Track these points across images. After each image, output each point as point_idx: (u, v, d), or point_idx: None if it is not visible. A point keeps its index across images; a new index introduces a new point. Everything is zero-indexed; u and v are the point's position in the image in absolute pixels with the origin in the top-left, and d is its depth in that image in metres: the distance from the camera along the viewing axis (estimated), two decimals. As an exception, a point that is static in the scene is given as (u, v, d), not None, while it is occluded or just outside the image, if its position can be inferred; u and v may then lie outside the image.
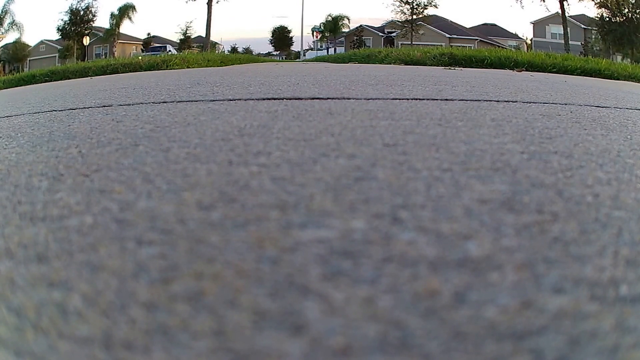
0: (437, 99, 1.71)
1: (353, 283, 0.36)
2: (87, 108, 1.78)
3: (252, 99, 1.73)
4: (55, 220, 0.54)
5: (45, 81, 6.54)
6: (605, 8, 20.83)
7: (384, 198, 0.57)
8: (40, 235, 0.50)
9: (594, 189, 0.58)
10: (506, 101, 1.69)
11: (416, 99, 1.69)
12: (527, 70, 5.81)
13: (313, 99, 1.72)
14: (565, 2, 19.61)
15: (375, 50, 8.68)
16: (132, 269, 0.41)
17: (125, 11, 31.35)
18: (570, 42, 18.81)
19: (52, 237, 0.49)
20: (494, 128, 1.04)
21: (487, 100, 1.70)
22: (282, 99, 1.73)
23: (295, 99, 1.72)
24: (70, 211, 0.57)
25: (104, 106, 1.79)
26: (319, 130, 1.05)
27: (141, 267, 0.41)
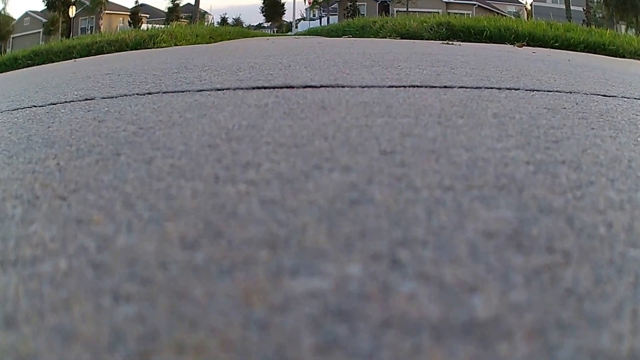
0: (435, 86, 1.64)
1: (350, 358, 0.33)
2: (69, 102, 1.69)
3: (242, 88, 1.65)
4: (28, 265, 0.50)
5: (28, 65, 6.33)
6: (608, -31, 20.07)
7: (381, 230, 0.53)
8: (11, 287, 0.46)
9: (606, 215, 0.55)
10: (508, 89, 1.62)
11: (414, 86, 1.62)
12: (528, 44, 5.65)
13: (305, 87, 1.65)
14: (567, -37, 18.82)
15: (370, 20, 8.38)
16: (107, 337, 0.37)
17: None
18: (571, 8, 18.18)
19: (22, 289, 0.46)
20: (497, 127, 0.99)
21: (488, 88, 1.63)
22: (273, 87, 1.65)
23: (287, 87, 1.65)
24: (45, 251, 0.53)
25: (87, 99, 1.70)
26: (311, 131, 0.99)
27: (117, 334, 0.37)
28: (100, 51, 6.47)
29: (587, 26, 7.75)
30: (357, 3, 30.40)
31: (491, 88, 1.65)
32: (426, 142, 0.87)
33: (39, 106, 1.67)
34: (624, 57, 5.44)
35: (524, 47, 5.44)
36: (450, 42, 5.13)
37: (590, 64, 3.46)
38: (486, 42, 6.22)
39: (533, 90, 1.62)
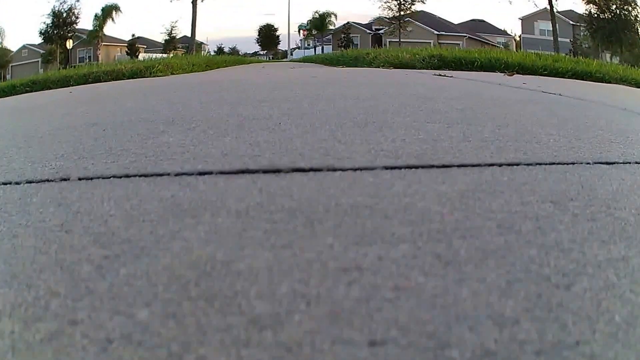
0: (433, 165, 1.55)
1: None
2: (43, 182, 1.58)
3: (224, 173, 1.55)
4: None
5: (26, 91, 6.55)
6: (593, 4, 20.44)
7: None
8: None
9: None
10: (509, 164, 1.55)
11: (410, 167, 1.53)
12: (518, 73, 5.77)
13: (294, 170, 1.55)
14: (553, -2, 19.21)
15: (363, 51, 8.46)
16: None
17: (109, 12, 30.60)
18: (559, 39, 18.51)
19: None
20: (502, 259, 0.87)
21: (488, 165, 1.54)
22: (258, 171, 1.54)
23: (273, 171, 1.54)
24: None
25: (63, 179, 1.59)
26: (292, 285, 0.82)
27: None
28: (97, 79, 6.69)
29: (574, 56, 8.15)
30: (351, 34, 30.89)
31: (492, 165, 1.56)
32: (424, 310, 0.73)
33: (14, 183, 1.55)
34: (609, 82, 5.76)
35: (514, 75, 5.47)
36: (443, 75, 5.10)
37: (584, 97, 3.45)
38: (477, 71, 6.32)
39: (535, 165, 1.56)
